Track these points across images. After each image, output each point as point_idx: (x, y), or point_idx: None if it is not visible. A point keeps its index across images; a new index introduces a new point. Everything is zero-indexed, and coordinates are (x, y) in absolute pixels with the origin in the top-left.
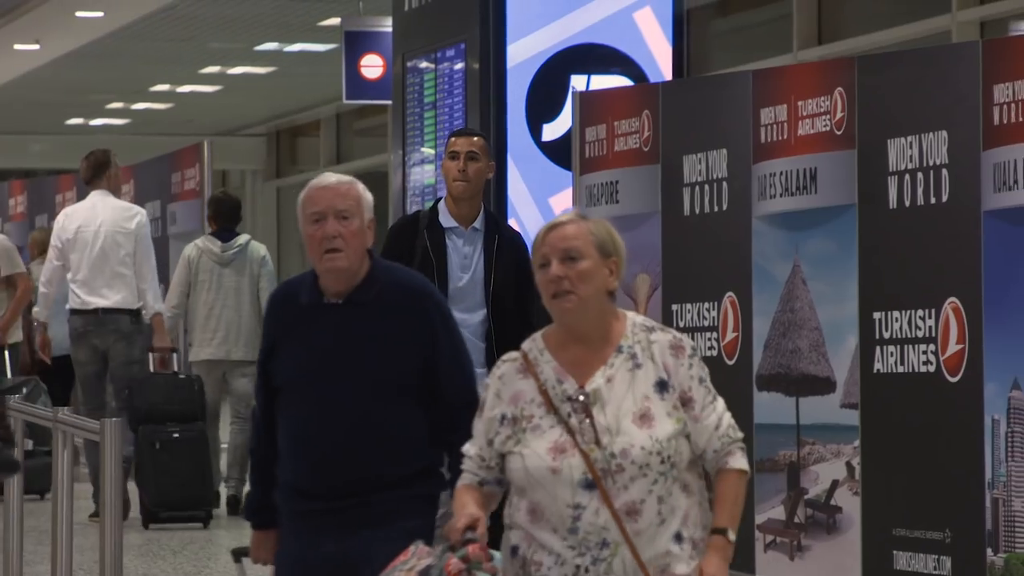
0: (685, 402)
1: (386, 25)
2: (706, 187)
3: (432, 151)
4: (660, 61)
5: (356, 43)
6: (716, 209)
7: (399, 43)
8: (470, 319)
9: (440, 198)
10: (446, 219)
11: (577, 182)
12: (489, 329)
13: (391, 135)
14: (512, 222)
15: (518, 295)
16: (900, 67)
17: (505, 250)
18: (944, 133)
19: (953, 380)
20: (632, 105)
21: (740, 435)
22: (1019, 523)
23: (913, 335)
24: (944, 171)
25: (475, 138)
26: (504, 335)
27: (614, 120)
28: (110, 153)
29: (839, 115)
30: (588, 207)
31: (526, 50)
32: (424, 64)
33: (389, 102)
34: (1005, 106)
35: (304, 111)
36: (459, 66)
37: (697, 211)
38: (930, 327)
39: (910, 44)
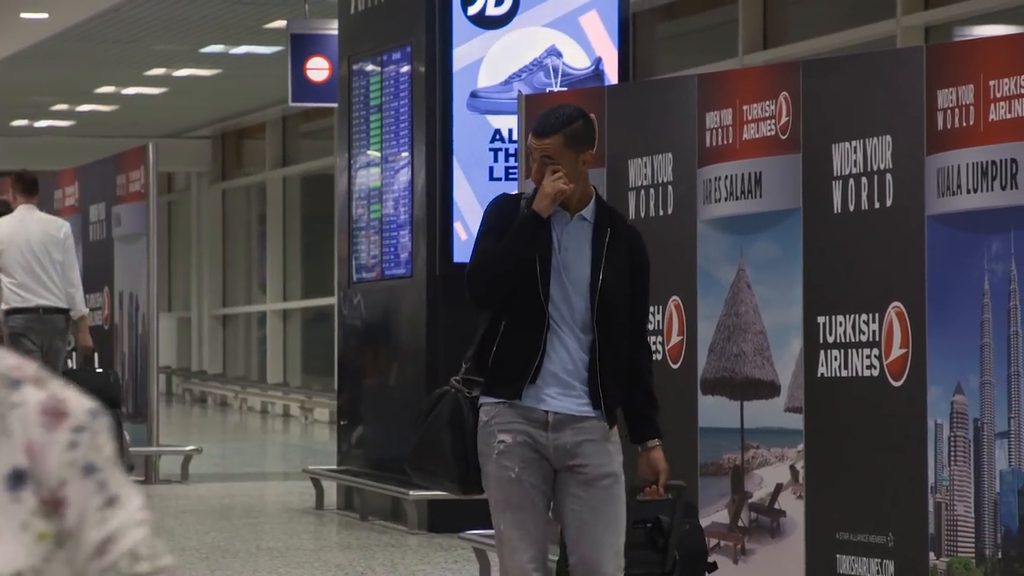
0: (55, 506)
1: (332, 28)
2: (651, 191)
3: (378, 154)
4: (606, 65)
5: (302, 46)
6: (661, 213)
7: (345, 46)
8: (573, 331)
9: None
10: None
11: (524, 186)
12: (594, 345)
13: (337, 138)
14: (457, 226)
15: (634, 309)
16: (845, 72)
17: (619, 247)
18: (888, 138)
19: (897, 384)
20: None
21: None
22: (962, 527)
23: (857, 339)
24: (888, 176)
25: (548, 139)
26: (610, 358)
27: None
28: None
29: (784, 119)
30: None
31: (472, 53)
32: (370, 67)
33: (335, 105)
34: (949, 111)
35: (250, 113)
36: (405, 69)
37: (643, 215)
38: (874, 331)
39: (855, 49)
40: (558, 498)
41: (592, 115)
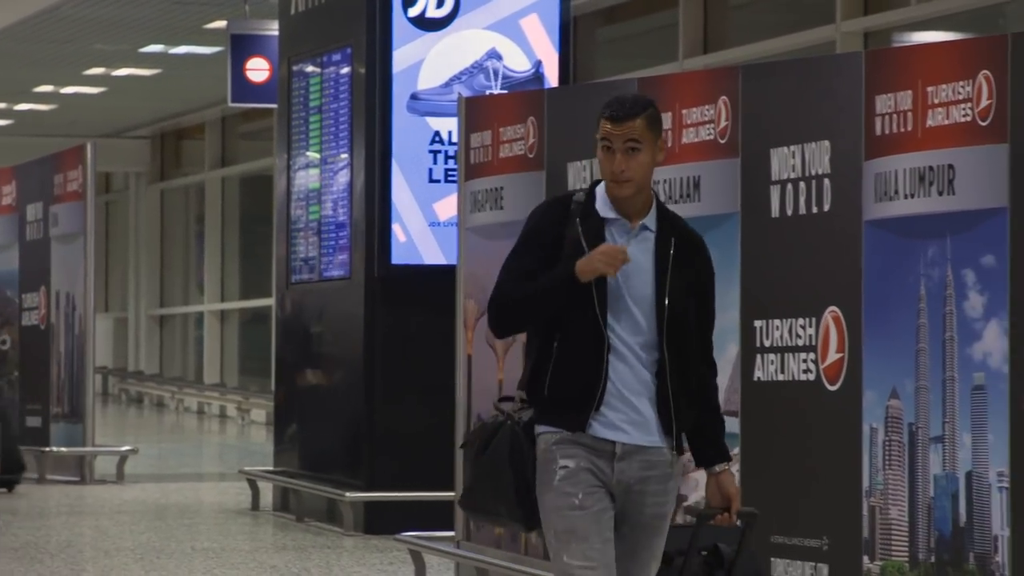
0: None
1: (272, 29)
2: None
3: (317, 155)
4: (546, 67)
5: (242, 46)
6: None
7: (285, 47)
8: (638, 352)
9: (597, 181)
10: (605, 209)
11: (462, 188)
12: (663, 366)
13: (276, 139)
14: (396, 228)
15: (698, 323)
16: (784, 77)
17: (685, 258)
18: (827, 143)
19: (832, 388)
20: (518, 111)
21: None
22: (895, 531)
23: (793, 343)
24: (826, 181)
25: (636, 120)
26: (681, 380)
27: (500, 126)
28: None
29: (723, 124)
30: (473, 212)
31: (412, 55)
32: (310, 68)
33: (275, 106)
34: (887, 116)
35: (189, 114)
36: (345, 70)
37: None
38: (810, 335)
39: (795, 54)
40: None
41: None
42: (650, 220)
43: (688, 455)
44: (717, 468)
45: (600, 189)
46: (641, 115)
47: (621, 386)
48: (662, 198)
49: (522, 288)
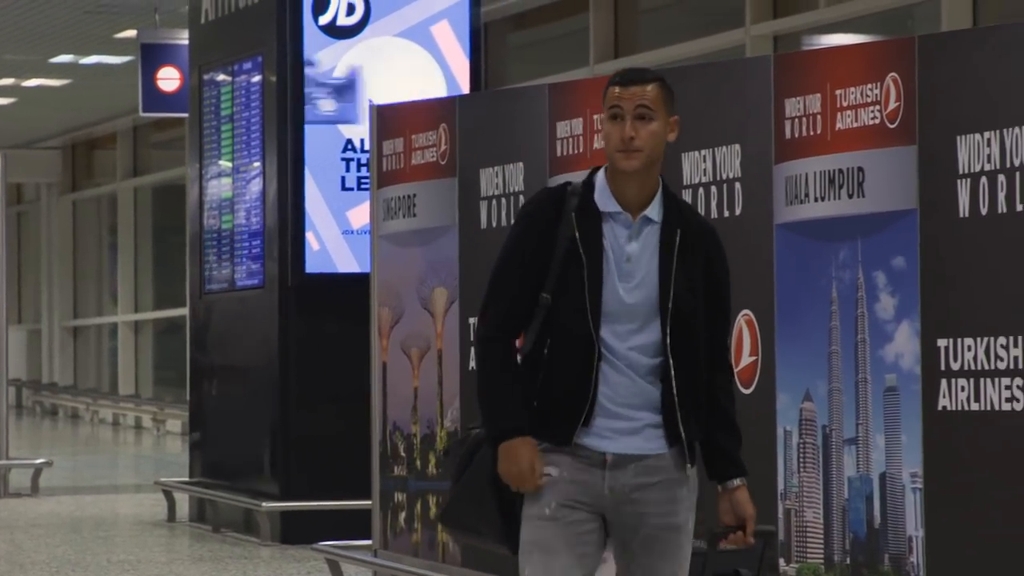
0: None
1: (183, 38)
2: (503, 200)
3: (230, 164)
4: (458, 74)
5: (152, 56)
6: (513, 222)
7: (196, 56)
8: (637, 357)
9: (597, 167)
10: (605, 200)
11: (375, 195)
12: (667, 372)
13: (188, 148)
14: (309, 236)
15: (710, 323)
16: (694, 81)
17: (692, 252)
18: (737, 147)
19: (746, 392)
20: (429, 118)
21: None
22: (811, 533)
23: None
24: (737, 184)
25: (648, 86)
26: (689, 385)
27: (411, 133)
28: None
29: None
30: (386, 220)
31: (323, 63)
32: (221, 77)
33: (186, 115)
34: (796, 120)
35: (100, 124)
36: (256, 79)
37: (494, 224)
38: None
39: (706, 58)
40: (614, 552)
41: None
42: (654, 210)
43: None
44: (731, 484)
45: (600, 177)
46: (654, 82)
47: (615, 396)
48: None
49: (487, 375)
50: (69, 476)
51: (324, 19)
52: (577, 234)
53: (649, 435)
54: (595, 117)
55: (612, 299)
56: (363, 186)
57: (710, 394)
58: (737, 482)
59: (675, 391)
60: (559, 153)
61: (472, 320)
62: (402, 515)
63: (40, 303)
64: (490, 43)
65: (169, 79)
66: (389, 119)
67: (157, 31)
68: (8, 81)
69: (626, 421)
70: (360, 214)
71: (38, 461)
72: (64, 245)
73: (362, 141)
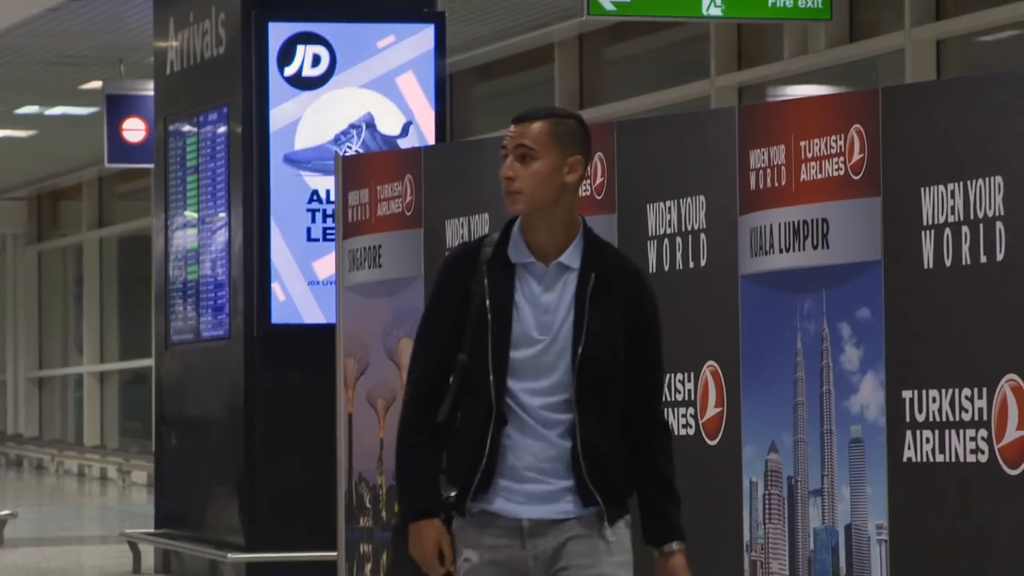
0: None
1: (148, 89)
2: None
3: (195, 215)
4: (423, 125)
5: (118, 107)
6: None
7: (161, 107)
8: (551, 415)
9: (515, 218)
10: (517, 250)
11: (340, 246)
12: (574, 432)
13: (154, 199)
14: (275, 287)
15: (637, 375)
16: (659, 132)
17: (609, 298)
18: (702, 198)
19: (712, 443)
20: (395, 169)
21: None
22: None
23: (673, 398)
24: (702, 235)
25: (533, 124)
26: (600, 442)
27: (377, 184)
28: None
29: (599, 180)
30: (351, 271)
31: (289, 114)
32: (186, 128)
33: (151, 166)
34: (760, 171)
35: (66, 174)
36: (222, 130)
37: None
38: (689, 390)
39: (671, 108)
40: None
41: (588, 128)
42: (571, 257)
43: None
44: (668, 548)
45: (516, 227)
46: (541, 120)
47: (525, 458)
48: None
49: (401, 447)
50: (34, 527)
51: (289, 70)
52: (488, 287)
53: (567, 498)
54: None
55: (523, 355)
56: (329, 237)
57: (642, 451)
58: (675, 546)
59: (580, 448)
60: None
61: None
62: (368, 566)
63: (5, 353)
64: (455, 94)
65: (134, 130)
66: (355, 169)
67: (122, 82)
68: None
69: (541, 484)
70: (326, 265)
71: (3, 512)
72: (29, 295)
73: (328, 192)
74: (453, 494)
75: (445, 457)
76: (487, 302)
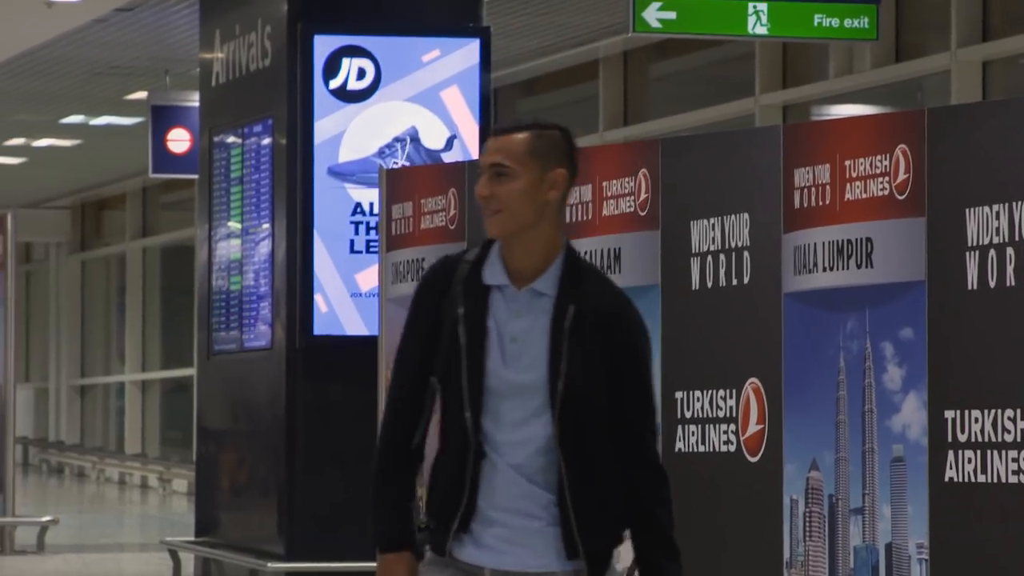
0: None
1: (193, 100)
2: None
3: (239, 226)
4: (467, 139)
5: (163, 117)
6: None
7: (206, 118)
8: (525, 453)
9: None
10: (493, 270)
11: (384, 259)
12: (560, 474)
13: (198, 209)
14: (318, 298)
15: (621, 415)
16: (704, 150)
17: (589, 333)
18: (746, 215)
19: (753, 460)
20: (439, 183)
21: None
22: None
23: (714, 415)
24: (746, 253)
25: (509, 138)
26: (587, 485)
27: (421, 198)
28: None
29: (643, 196)
30: (394, 283)
31: (333, 127)
32: (231, 139)
33: (195, 176)
34: (805, 190)
35: (110, 184)
36: (266, 141)
37: None
38: (731, 407)
39: (715, 126)
40: None
41: (574, 139)
42: (546, 282)
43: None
44: None
45: (497, 244)
46: (520, 133)
47: (495, 499)
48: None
49: (375, 473)
50: (75, 534)
51: (335, 83)
52: (461, 310)
53: (539, 547)
54: (603, 184)
55: (494, 386)
56: (372, 249)
57: (632, 498)
58: None
59: (569, 492)
60: (568, 219)
61: None
62: None
63: (48, 361)
64: (500, 109)
65: (179, 140)
66: (399, 183)
67: (168, 93)
68: (19, 141)
69: (510, 529)
70: (368, 277)
71: (44, 519)
72: (72, 304)
73: (371, 204)
74: (425, 525)
75: (425, 487)
76: (460, 327)
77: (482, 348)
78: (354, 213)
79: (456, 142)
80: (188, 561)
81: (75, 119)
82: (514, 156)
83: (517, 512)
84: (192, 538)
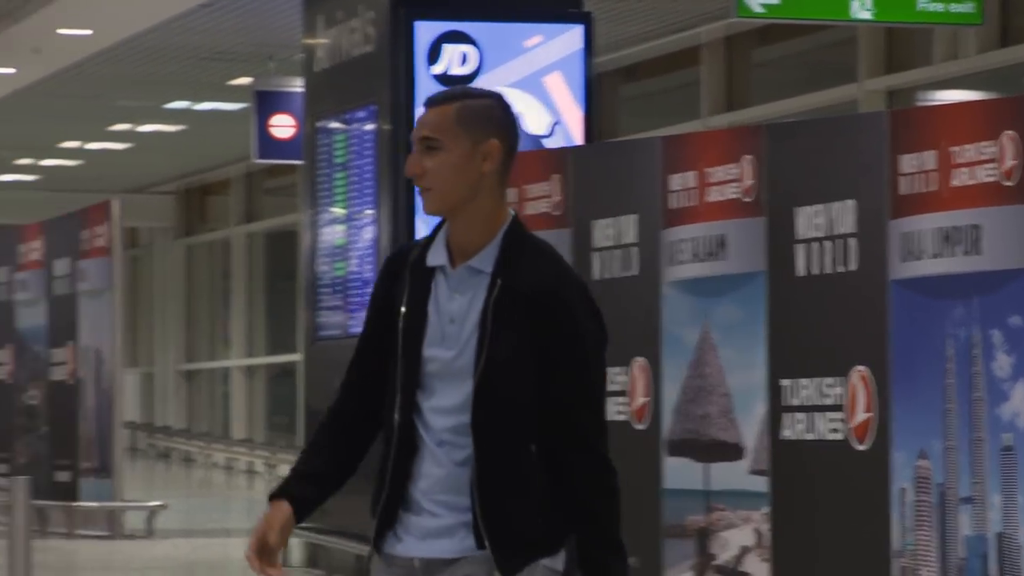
0: None
1: (297, 86)
2: (616, 252)
3: (343, 211)
4: (569, 125)
5: (267, 103)
6: (626, 274)
7: (310, 104)
8: (453, 439)
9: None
10: (437, 251)
11: None
12: (471, 472)
13: (301, 195)
14: None
15: (552, 396)
16: (808, 135)
17: (519, 308)
18: (851, 202)
19: (861, 448)
20: (542, 169)
21: None
22: None
23: (821, 402)
24: (852, 240)
25: (436, 109)
26: (499, 472)
27: (524, 184)
28: None
29: (748, 182)
30: None
31: None
32: (335, 125)
33: (300, 162)
34: (911, 176)
35: (214, 169)
36: (370, 127)
37: (607, 276)
38: (838, 394)
39: (818, 112)
40: None
41: (511, 107)
42: (482, 259)
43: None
44: None
45: (446, 225)
46: (447, 103)
47: (426, 488)
48: (688, 255)
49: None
50: (183, 519)
51: (437, 68)
52: (406, 293)
53: (460, 535)
54: (707, 170)
55: (433, 370)
56: None
57: (568, 490)
58: None
59: (477, 479)
60: (672, 206)
61: None
62: None
63: (154, 347)
64: (602, 94)
65: (283, 126)
66: None
67: (271, 79)
68: (124, 126)
69: (437, 518)
70: None
71: (152, 503)
72: (177, 289)
73: None
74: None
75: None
76: (402, 312)
77: (420, 332)
78: None
79: (559, 128)
80: (295, 547)
81: (180, 104)
82: (442, 129)
83: (443, 501)
84: (299, 524)
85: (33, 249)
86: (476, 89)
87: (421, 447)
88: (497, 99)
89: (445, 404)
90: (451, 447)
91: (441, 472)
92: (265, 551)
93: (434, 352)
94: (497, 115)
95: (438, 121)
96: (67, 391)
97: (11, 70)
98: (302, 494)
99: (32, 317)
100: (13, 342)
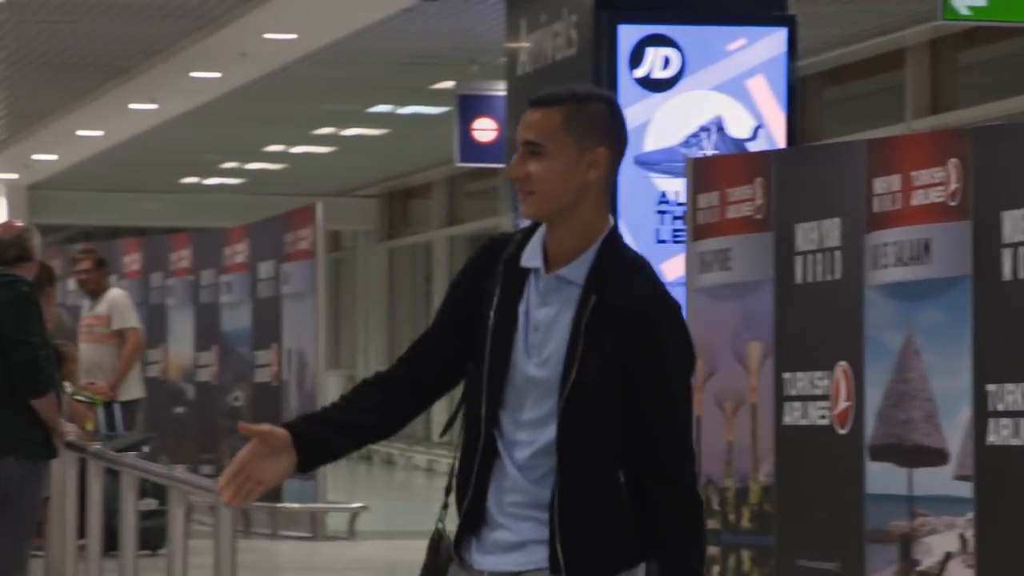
0: None
1: (499, 89)
2: (819, 256)
3: None
4: (772, 129)
5: (469, 106)
6: (828, 278)
7: (512, 108)
8: (533, 454)
9: None
10: (532, 253)
11: (690, 248)
12: (552, 492)
13: (503, 198)
14: None
15: (637, 421)
16: (1017, 139)
17: (610, 325)
18: None
19: None
20: (745, 172)
21: None
22: None
23: (1007, 408)
24: None
25: (542, 112)
26: (582, 493)
27: (727, 187)
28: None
29: (953, 186)
30: (700, 273)
31: (638, 116)
32: None
33: (502, 165)
34: None
35: (417, 173)
36: None
37: (809, 279)
38: None
39: None
40: None
41: (620, 110)
42: (574, 269)
43: None
44: None
45: (544, 225)
46: (555, 106)
47: (502, 501)
48: (892, 259)
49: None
50: (384, 521)
51: (639, 72)
52: (497, 292)
53: (534, 552)
54: (912, 174)
55: (513, 379)
56: (677, 239)
57: (645, 511)
58: None
59: (560, 499)
60: (876, 209)
61: (786, 375)
62: (715, 569)
63: (356, 349)
64: (804, 98)
65: (485, 130)
66: (705, 172)
67: (474, 82)
68: (328, 130)
69: (511, 533)
70: (674, 266)
71: (354, 505)
72: (380, 292)
73: (676, 194)
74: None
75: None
76: (491, 311)
77: (508, 337)
78: (659, 203)
79: (762, 131)
80: None
81: (383, 108)
82: (548, 134)
83: (518, 516)
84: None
85: (238, 252)
86: (584, 89)
87: (498, 458)
88: (607, 103)
89: (526, 417)
90: (532, 462)
91: (517, 486)
92: (243, 480)
93: (518, 361)
94: (606, 121)
95: (544, 125)
96: (271, 393)
97: (217, 74)
98: (308, 432)
99: (237, 319)
100: (218, 344)
